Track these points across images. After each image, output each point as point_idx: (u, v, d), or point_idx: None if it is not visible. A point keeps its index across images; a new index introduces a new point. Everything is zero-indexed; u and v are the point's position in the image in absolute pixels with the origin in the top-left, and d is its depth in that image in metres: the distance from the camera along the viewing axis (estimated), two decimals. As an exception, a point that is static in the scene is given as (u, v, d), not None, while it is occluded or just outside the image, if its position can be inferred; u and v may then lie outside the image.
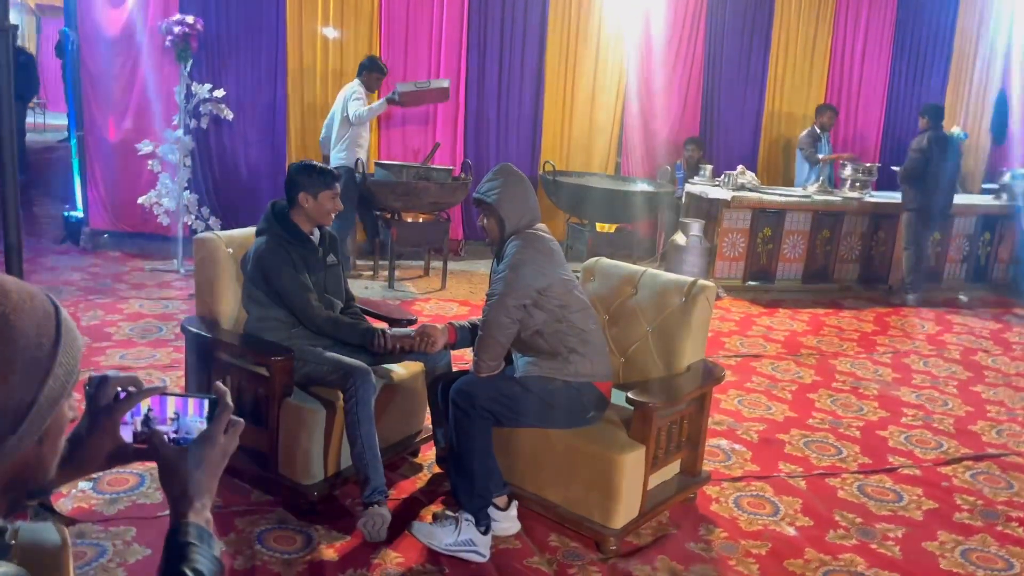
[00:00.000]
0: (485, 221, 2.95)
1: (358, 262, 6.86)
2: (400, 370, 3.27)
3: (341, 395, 2.92)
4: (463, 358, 4.27)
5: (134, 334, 4.81)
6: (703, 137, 8.30)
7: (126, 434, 1.16)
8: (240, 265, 3.16)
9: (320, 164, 3.12)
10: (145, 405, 1.16)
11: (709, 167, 7.42)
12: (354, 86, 6.36)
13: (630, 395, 2.83)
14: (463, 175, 6.68)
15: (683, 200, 7.35)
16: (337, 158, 6.30)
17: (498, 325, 2.81)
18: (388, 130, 7.42)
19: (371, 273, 6.66)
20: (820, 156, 7.87)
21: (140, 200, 6.34)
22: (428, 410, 3.31)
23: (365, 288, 6.17)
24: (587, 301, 2.98)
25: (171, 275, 6.15)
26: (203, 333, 3.08)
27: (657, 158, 8.14)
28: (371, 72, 6.37)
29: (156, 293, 5.70)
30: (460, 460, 2.80)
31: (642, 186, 7.47)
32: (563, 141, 8.00)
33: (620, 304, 3.25)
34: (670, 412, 2.94)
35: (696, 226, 6.78)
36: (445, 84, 6.60)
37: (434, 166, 6.46)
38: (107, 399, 1.15)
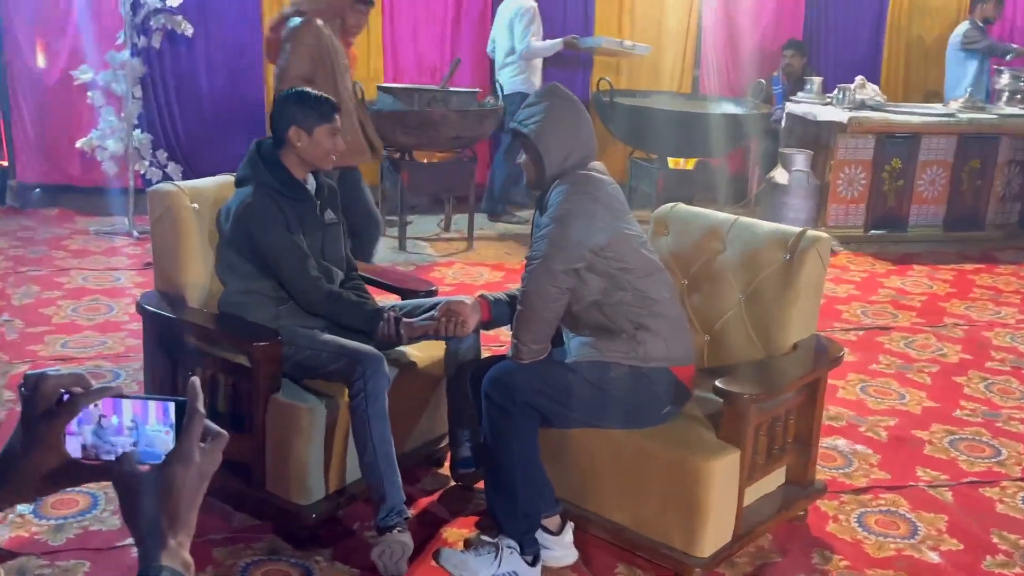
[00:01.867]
0: (524, 159, 2.93)
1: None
2: (416, 354, 3.28)
3: (346, 389, 2.94)
4: (497, 339, 4.27)
5: (78, 315, 4.88)
6: (808, 40, 8.12)
7: (73, 448, 1.16)
8: (215, 224, 3.19)
9: (315, 92, 3.13)
10: (96, 410, 1.16)
11: (817, 80, 7.28)
12: (519, 2, 6.72)
13: (718, 383, 2.81)
14: (492, 100, 6.63)
15: (783, 124, 7.23)
16: (511, 83, 6.76)
17: (543, 297, 2.80)
18: (394, 41, 7.37)
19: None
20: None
21: (79, 144, 6.41)
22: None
23: (369, 250, 6.19)
24: (658, 262, 2.96)
25: (121, 239, 6.23)
26: (164, 312, 3.10)
27: (747, 70, 7.99)
28: None
29: (103, 262, 5.78)
30: (498, 471, 2.81)
31: (728, 107, 7.35)
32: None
33: (704, 265, 3.22)
34: (772, 405, 2.92)
35: (801, 158, 6.68)
36: (645, 51, 7.16)
37: (455, 89, 6.43)
38: (47, 403, 1.15)
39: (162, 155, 6.60)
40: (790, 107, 7.21)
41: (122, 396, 1.16)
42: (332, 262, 3.21)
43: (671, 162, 7.11)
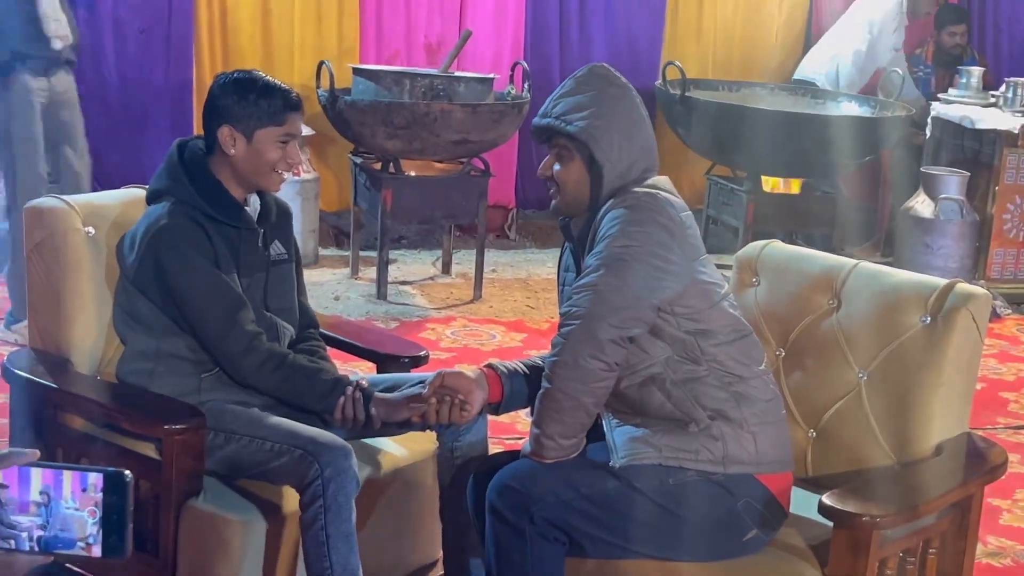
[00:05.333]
0: (561, 172, 2.91)
1: (321, 250, 6.89)
2: (396, 450, 3.27)
3: (297, 495, 2.92)
4: (512, 428, 4.25)
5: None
6: (969, 7, 8.13)
7: None
8: (117, 256, 3.19)
9: (268, 78, 3.12)
10: None
11: (976, 71, 7.24)
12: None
13: (826, 499, 2.76)
14: (513, 90, 6.66)
15: (928, 133, 7.21)
16: None
17: (582, 374, 2.75)
18: (379, 7, 7.42)
19: (345, 270, 6.70)
20: None
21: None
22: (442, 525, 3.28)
23: (334, 298, 6.20)
24: (745, 322, 2.96)
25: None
26: (40, 380, 3.09)
27: (881, 53, 8.00)
28: None
29: (-44, 308, 5.79)
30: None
31: (851, 106, 7.35)
32: (703, 29, 8.00)
33: (808, 328, 3.21)
34: (904, 532, 2.88)
35: (953, 183, 6.69)
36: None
37: (460, 73, 6.46)
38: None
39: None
40: (937, 109, 7.16)
41: (33, 464, 1.17)
42: (279, 313, 3.20)
43: (766, 183, 7.13)
